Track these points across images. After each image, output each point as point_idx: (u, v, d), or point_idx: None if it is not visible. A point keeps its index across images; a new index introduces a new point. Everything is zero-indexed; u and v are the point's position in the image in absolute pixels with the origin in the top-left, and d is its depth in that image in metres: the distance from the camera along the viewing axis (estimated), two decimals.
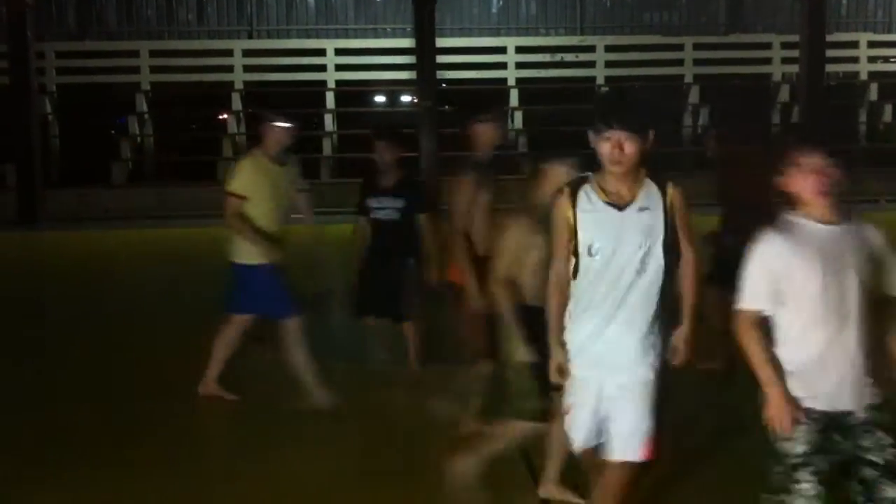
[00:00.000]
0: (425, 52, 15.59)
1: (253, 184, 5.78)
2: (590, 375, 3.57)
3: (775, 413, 3.19)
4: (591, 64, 18.47)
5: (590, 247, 3.51)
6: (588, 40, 18.45)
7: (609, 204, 3.51)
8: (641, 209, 3.52)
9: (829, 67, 17.09)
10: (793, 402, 3.18)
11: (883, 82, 18.49)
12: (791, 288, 3.19)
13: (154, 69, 17.95)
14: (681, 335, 3.67)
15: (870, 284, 3.18)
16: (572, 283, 3.59)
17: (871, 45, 18.84)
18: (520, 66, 18.30)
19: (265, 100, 16.70)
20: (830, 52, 16.61)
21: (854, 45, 18.59)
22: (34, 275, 11.50)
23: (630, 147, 3.44)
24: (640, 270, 3.50)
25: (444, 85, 17.39)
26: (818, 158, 3.18)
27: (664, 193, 3.56)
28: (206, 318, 6.20)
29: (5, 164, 16.22)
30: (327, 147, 17.61)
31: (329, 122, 17.94)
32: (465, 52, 18.10)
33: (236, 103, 17.80)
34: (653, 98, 16.55)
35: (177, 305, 8.68)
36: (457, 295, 5.45)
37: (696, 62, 18.48)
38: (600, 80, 18.35)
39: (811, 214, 3.22)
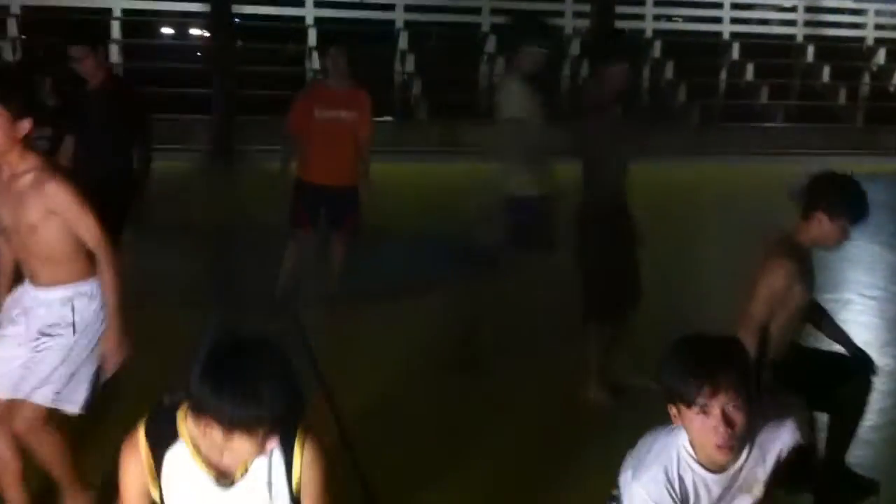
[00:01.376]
0: None
1: None
2: None
3: None
4: (391, 7, 18.44)
5: None
6: None
7: None
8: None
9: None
10: None
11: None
12: None
13: None
14: None
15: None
16: None
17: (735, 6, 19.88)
18: (320, 4, 18.09)
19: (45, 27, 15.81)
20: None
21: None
22: None
23: None
24: None
25: (236, 20, 16.89)
26: (725, 399, 2.64)
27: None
28: None
29: None
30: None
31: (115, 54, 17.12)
32: None
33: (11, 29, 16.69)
34: None
35: None
36: None
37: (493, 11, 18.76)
38: (399, 24, 18.37)
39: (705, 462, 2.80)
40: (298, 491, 2.61)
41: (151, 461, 2.56)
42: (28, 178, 3.41)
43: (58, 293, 3.56)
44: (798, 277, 3.91)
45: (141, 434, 2.58)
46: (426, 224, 9.82)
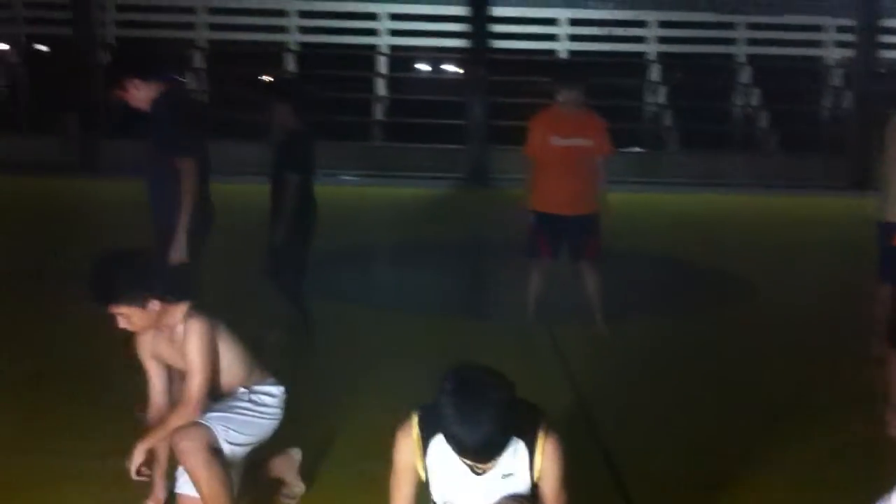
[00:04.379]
0: (478, 19, 15.70)
1: None
2: None
3: None
4: (642, 39, 18.57)
5: None
6: (640, 15, 18.51)
7: None
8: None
9: (884, 53, 17.01)
10: None
11: None
12: None
13: (212, 26, 18.37)
14: None
15: None
16: None
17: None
18: (572, 38, 18.48)
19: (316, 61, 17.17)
20: (884, 38, 16.57)
21: None
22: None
23: None
24: None
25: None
26: None
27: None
28: None
29: (67, 113, 16.72)
30: (378, 111, 17.97)
31: (381, 86, 18.29)
32: (516, 21, 18.23)
33: (289, 63, 18.18)
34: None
35: None
36: None
37: (750, 42, 18.52)
38: (651, 56, 18.45)
39: None
40: (539, 480, 3.00)
41: (420, 444, 3.03)
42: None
43: None
44: None
45: (415, 421, 3.05)
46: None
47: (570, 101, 6.81)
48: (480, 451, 2.81)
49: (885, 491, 3.00)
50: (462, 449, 2.82)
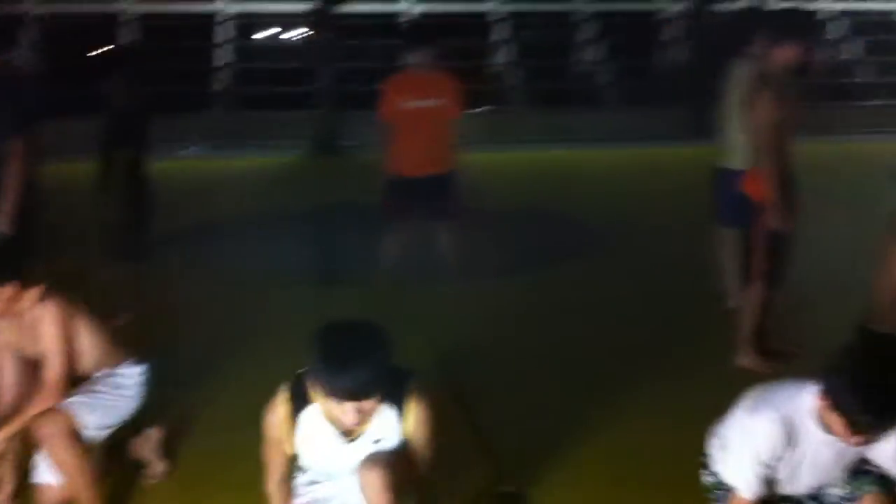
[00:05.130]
0: None
1: None
2: None
3: None
4: None
5: None
6: None
7: None
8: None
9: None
10: None
11: None
12: None
13: None
14: None
15: None
16: None
17: None
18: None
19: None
20: None
21: None
22: None
23: None
24: None
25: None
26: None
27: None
28: None
29: None
30: (224, 80, 17.49)
31: (227, 54, 17.82)
32: None
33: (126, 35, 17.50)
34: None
35: None
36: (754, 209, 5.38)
37: None
38: (495, 14, 18.57)
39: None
40: (409, 441, 3.07)
41: (290, 418, 3.05)
42: None
43: None
44: None
45: (284, 395, 3.07)
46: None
47: (421, 62, 6.79)
48: (354, 384, 2.81)
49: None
50: (334, 385, 2.82)
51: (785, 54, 5.21)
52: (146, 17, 17.79)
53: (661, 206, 10.46)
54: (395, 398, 3.02)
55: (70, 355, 3.55)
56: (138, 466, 4.03)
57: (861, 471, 3.20)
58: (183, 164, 13.13)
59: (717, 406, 3.53)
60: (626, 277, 7.54)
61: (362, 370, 2.80)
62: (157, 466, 4.04)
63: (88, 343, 3.63)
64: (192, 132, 15.23)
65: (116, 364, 3.74)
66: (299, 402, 3.03)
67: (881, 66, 18.58)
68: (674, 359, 5.57)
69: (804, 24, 5.57)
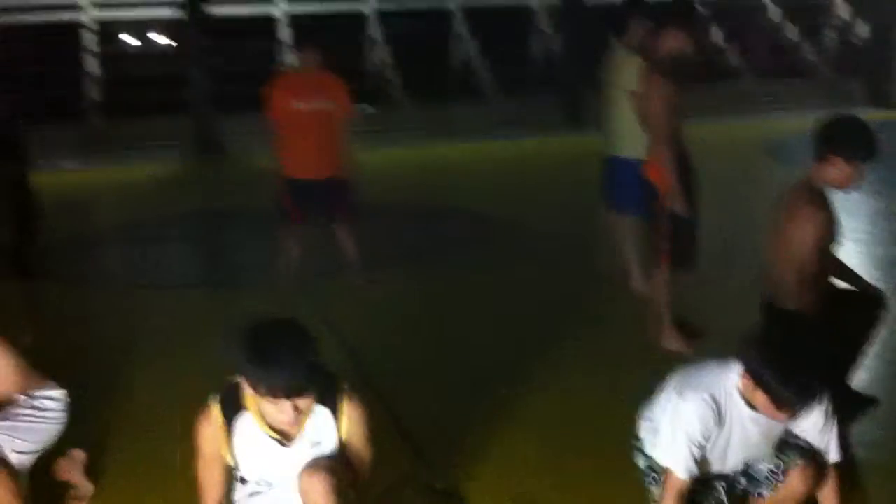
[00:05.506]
0: None
1: None
2: None
3: None
4: None
5: None
6: None
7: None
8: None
9: None
10: None
11: None
12: None
13: None
14: None
15: None
16: None
17: None
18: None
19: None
20: None
21: None
22: None
23: None
24: None
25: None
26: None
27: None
28: None
29: None
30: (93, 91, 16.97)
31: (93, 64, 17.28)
32: None
33: None
34: None
35: None
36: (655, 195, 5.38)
37: None
38: (369, 13, 18.52)
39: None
40: (346, 443, 3.04)
41: (224, 428, 2.99)
42: None
43: None
44: (829, 222, 4.06)
45: (215, 407, 3.00)
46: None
47: (308, 63, 6.73)
48: (289, 378, 2.77)
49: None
50: (270, 382, 2.77)
51: (672, 41, 5.35)
52: (6, 29, 17.11)
53: (548, 194, 10.64)
54: (328, 399, 2.98)
55: None
56: (66, 489, 3.90)
57: (788, 444, 3.31)
58: (60, 176, 12.68)
59: (640, 386, 3.61)
60: (526, 264, 7.64)
61: (298, 364, 2.77)
62: (83, 488, 3.90)
63: (6, 367, 3.48)
64: (65, 143, 14.72)
65: (38, 388, 3.60)
66: (231, 409, 2.98)
67: (742, 50, 19.31)
68: (590, 339, 5.65)
69: (688, 12, 5.73)
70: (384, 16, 18.57)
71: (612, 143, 6.55)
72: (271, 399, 2.80)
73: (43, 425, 3.55)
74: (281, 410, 2.83)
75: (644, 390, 3.54)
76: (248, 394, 2.90)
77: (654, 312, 5.54)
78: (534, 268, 7.51)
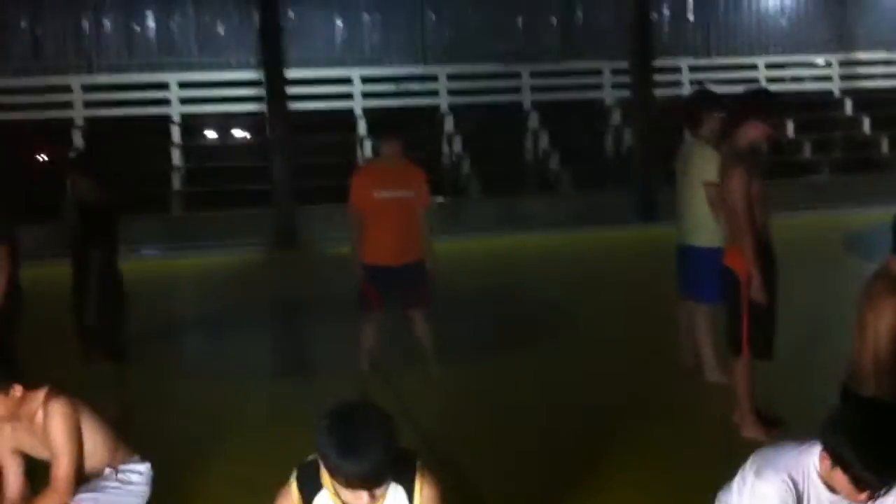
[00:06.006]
0: (274, 83, 15.64)
1: None
2: None
3: None
4: (435, 93, 19.05)
5: None
6: (431, 70, 19.00)
7: None
8: None
9: (656, 91, 18.12)
10: None
11: None
12: None
13: None
14: None
15: None
16: None
17: (692, 69, 20.15)
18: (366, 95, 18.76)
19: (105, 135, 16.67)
20: (656, 77, 17.68)
21: (677, 69, 19.88)
22: None
23: None
24: None
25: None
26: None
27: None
28: None
29: None
30: (176, 181, 17.55)
31: (177, 156, 17.90)
32: (311, 83, 18.31)
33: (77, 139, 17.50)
34: None
35: None
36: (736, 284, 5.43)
37: (534, 89, 19.35)
38: (444, 108, 18.95)
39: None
40: None
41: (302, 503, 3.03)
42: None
43: None
44: None
45: (293, 482, 3.06)
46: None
47: (390, 153, 6.96)
48: (368, 472, 2.79)
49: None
50: (348, 474, 2.79)
51: (753, 132, 5.43)
52: (92, 122, 17.87)
53: (619, 285, 10.65)
54: (404, 478, 3.01)
55: (78, 453, 3.55)
56: None
57: None
58: (143, 264, 13.09)
59: (718, 477, 3.62)
60: (597, 356, 7.65)
61: (375, 457, 2.78)
62: None
63: (94, 441, 3.63)
64: (149, 233, 15.21)
65: (123, 461, 3.74)
66: (309, 486, 3.03)
67: (814, 143, 19.26)
68: (668, 431, 5.63)
69: (769, 102, 5.81)
70: (459, 110, 18.95)
71: (687, 232, 6.61)
72: (348, 489, 2.84)
73: (126, 498, 3.68)
74: (357, 498, 2.87)
75: (725, 480, 3.54)
76: (326, 472, 2.94)
77: (738, 402, 5.53)
78: (604, 359, 7.51)
